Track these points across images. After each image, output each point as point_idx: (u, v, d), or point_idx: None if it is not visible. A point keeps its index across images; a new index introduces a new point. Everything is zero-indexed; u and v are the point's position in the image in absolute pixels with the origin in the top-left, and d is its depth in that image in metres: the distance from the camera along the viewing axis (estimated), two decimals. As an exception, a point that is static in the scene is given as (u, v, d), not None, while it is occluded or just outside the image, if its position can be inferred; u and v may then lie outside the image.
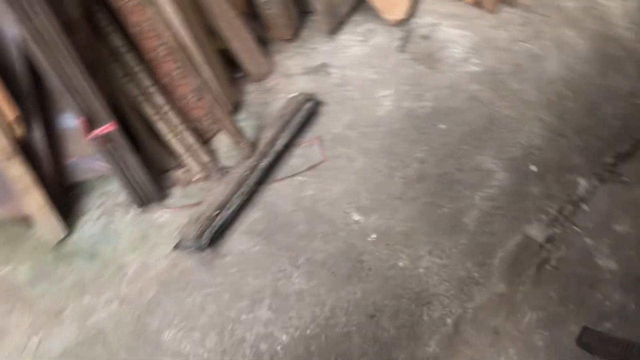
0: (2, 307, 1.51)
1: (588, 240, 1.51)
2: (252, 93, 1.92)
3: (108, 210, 1.67)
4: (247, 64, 1.89)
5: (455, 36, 2.00)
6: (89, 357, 1.40)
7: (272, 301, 1.45)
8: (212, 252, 1.56)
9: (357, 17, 2.12)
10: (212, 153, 1.75)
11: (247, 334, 1.40)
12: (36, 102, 1.55)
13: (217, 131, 1.80)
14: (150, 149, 1.69)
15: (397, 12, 2.03)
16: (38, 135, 1.57)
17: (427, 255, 1.50)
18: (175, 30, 1.62)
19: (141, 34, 1.60)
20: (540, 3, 2.06)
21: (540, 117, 1.75)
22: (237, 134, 1.68)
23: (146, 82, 1.65)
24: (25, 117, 1.51)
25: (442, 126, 1.75)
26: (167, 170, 1.73)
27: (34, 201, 1.56)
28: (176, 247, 1.56)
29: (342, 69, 1.96)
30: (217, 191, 1.60)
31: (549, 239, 1.51)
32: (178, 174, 1.72)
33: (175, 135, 1.69)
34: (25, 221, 1.62)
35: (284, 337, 1.39)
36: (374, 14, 2.06)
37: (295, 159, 1.74)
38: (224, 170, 1.71)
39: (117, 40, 1.60)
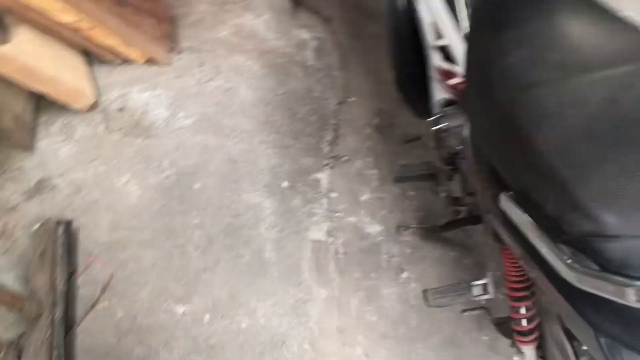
0: None
1: (351, 219, 1.88)
2: (-18, 248, 1.70)
3: None
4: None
5: (149, 99, 2.08)
6: None
7: None
8: None
9: (44, 117, 2.00)
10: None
11: None
12: None
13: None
14: None
15: (83, 98, 1.99)
16: None
17: (258, 303, 1.68)
18: None
19: None
20: (200, 41, 2.25)
21: (263, 139, 2.01)
22: (14, 299, 1.51)
23: None
24: None
25: (197, 185, 1.87)
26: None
27: None
28: None
29: (64, 175, 1.87)
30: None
31: (329, 234, 1.84)
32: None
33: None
34: None
35: None
36: (61, 108, 1.97)
37: (85, 289, 1.66)
38: (18, 346, 1.53)
39: None
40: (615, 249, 0.71)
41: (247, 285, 1.70)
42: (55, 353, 1.48)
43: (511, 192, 0.93)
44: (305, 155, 2.00)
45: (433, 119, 1.63)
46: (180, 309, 1.64)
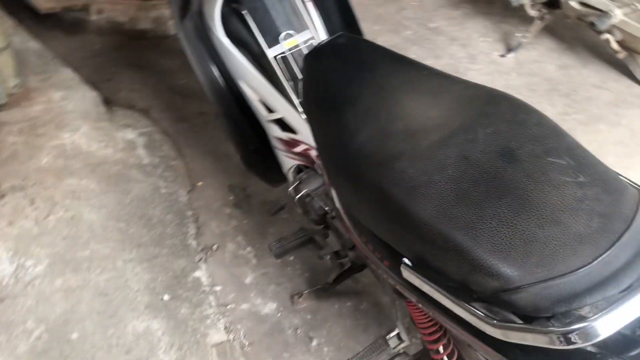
0: None
1: (244, 306, 1.85)
2: None
3: None
4: None
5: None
6: None
7: None
8: None
9: None
10: None
11: None
12: None
13: None
14: None
15: None
16: None
17: None
18: None
19: None
20: (21, 176, 2.04)
21: (127, 259, 1.88)
22: None
23: None
24: None
25: (74, 335, 1.70)
26: None
27: None
28: None
29: None
30: None
31: (228, 331, 1.79)
32: None
33: None
34: None
35: None
36: None
37: None
38: None
39: None
40: (523, 298, 0.78)
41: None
42: None
43: (407, 261, 0.98)
44: (176, 258, 1.93)
45: (292, 188, 1.66)
46: None
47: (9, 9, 2.85)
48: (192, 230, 2.04)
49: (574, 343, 0.73)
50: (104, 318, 1.73)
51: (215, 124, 2.48)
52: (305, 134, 1.60)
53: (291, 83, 1.61)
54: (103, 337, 1.69)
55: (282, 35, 1.60)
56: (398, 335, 1.40)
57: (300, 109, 1.57)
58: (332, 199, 1.54)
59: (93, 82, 2.59)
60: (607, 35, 2.48)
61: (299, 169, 1.73)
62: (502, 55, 2.87)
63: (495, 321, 0.80)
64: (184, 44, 1.69)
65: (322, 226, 1.67)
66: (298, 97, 1.60)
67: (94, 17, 2.91)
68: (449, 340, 1.25)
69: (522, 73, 2.76)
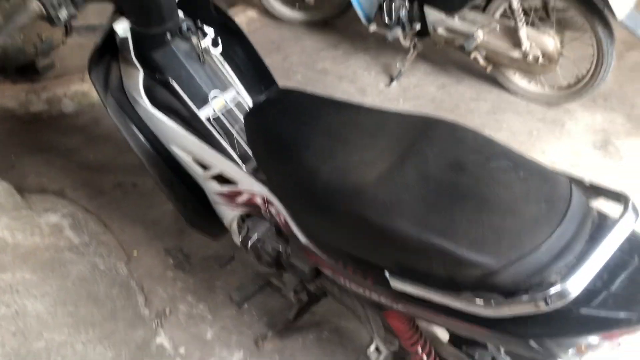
0: None
1: None
2: None
3: None
4: None
5: None
6: None
7: None
8: None
9: None
10: None
11: None
12: None
13: None
14: None
15: None
16: None
17: None
18: None
19: None
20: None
21: (85, 340, 1.84)
22: None
23: None
24: None
25: None
26: None
27: None
28: None
29: None
30: None
31: None
32: None
33: None
34: None
35: None
36: None
37: None
38: None
39: None
40: (503, 278, 0.95)
41: None
42: None
43: (389, 272, 1.12)
44: (133, 330, 1.92)
45: (242, 236, 1.75)
46: None
47: None
48: (140, 299, 2.04)
49: (553, 304, 0.90)
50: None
51: (135, 193, 2.50)
52: (246, 183, 1.69)
53: (225, 138, 1.71)
54: None
55: (210, 96, 1.70)
56: (377, 347, 1.52)
57: (239, 161, 1.67)
58: (284, 239, 1.66)
59: (-5, 173, 2.50)
60: (474, 54, 2.83)
61: (241, 218, 1.82)
62: (387, 85, 3.15)
63: (492, 301, 0.96)
64: (112, 117, 1.74)
65: (277, 268, 1.76)
66: (235, 150, 1.69)
67: (-19, 107, 2.81)
68: (425, 341, 1.39)
69: (408, 97, 3.05)
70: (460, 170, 1.08)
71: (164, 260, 2.20)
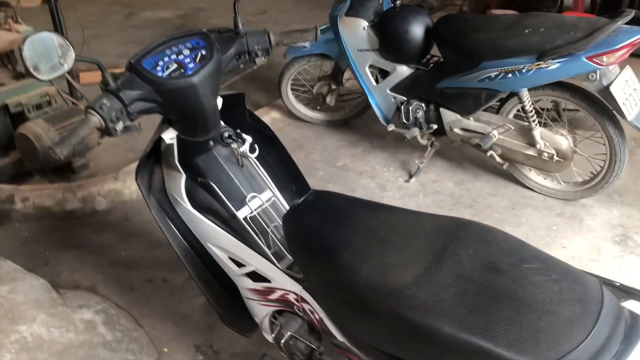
0: None
1: None
2: None
3: None
4: None
5: None
6: None
7: None
8: None
9: None
10: None
11: None
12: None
13: None
14: None
15: None
16: None
17: None
18: None
19: None
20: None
21: None
22: None
23: None
24: None
25: None
26: None
27: None
28: None
29: None
30: None
31: None
32: None
33: None
34: None
35: None
36: None
37: None
38: None
39: None
40: None
41: None
42: None
43: None
44: None
45: (275, 333, 1.78)
46: None
47: None
48: (172, 397, 2.05)
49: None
50: None
51: (165, 288, 2.56)
52: (280, 280, 1.75)
53: (260, 236, 1.79)
54: None
55: (248, 197, 1.81)
56: None
57: (274, 259, 1.74)
58: (317, 337, 1.70)
59: (29, 269, 2.58)
60: (490, 152, 2.96)
61: (274, 315, 1.86)
62: (406, 181, 3.26)
63: None
64: (154, 216, 1.84)
65: None
66: (270, 249, 1.78)
67: (19, 206, 2.94)
68: None
69: (427, 193, 3.15)
70: (495, 271, 1.14)
71: (194, 357, 2.22)
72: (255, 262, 1.78)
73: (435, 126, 3.10)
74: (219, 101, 1.78)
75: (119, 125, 1.54)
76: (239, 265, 1.83)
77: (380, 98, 3.31)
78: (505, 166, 3.05)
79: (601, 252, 2.62)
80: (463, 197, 3.08)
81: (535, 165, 2.91)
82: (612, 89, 2.50)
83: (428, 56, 3.19)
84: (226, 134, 1.79)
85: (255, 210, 1.81)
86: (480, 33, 2.74)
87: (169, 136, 1.73)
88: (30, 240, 2.87)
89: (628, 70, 2.64)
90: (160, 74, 1.60)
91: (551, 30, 2.52)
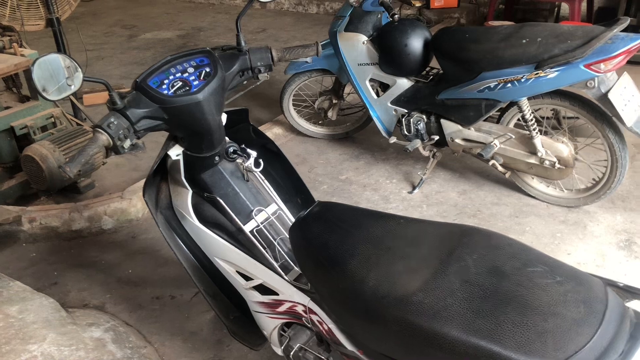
0: None
1: None
2: None
3: None
4: None
5: None
6: None
7: None
8: None
9: None
10: None
11: None
12: None
13: None
14: None
15: None
16: None
17: None
18: None
19: None
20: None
21: None
22: None
23: None
24: None
25: None
26: None
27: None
28: None
29: None
30: None
31: None
32: None
33: None
34: None
35: None
36: None
37: None
38: None
39: None
40: None
41: None
42: None
43: None
44: None
45: (284, 346, 1.80)
46: None
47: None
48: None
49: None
50: None
51: (173, 305, 2.57)
52: (288, 292, 1.77)
53: (267, 249, 1.81)
54: None
55: (254, 211, 1.83)
56: None
57: (281, 271, 1.76)
58: (325, 348, 1.71)
59: (38, 289, 2.60)
60: (492, 161, 2.98)
61: (282, 328, 1.88)
62: (410, 192, 3.28)
63: None
64: (162, 232, 1.86)
65: None
66: (277, 261, 1.79)
67: (26, 227, 2.97)
68: None
69: (431, 204, 3.17)
70: (500, 275, 1.16)
71: (204, 374, 2.23)
72: (263, 275, 1.80)
73: (436, 137, 3.13)
74: (224, 117, 1.81)
75: (127, 143, 1.57)
76: (247, 278, 1.85)
77: (382, 111, 3.34)
78: (507, 175, 3.08)
79: (606, 258, 2.63)
80: (466, 207, 3.10)
81: (537, 174, 2.93)
82: (610, 95, 2.53)
83: (427, 68, 3.23)
84: (231, 149, 1.82)
85: (261, 223, 1.83)
86: (478, 44, 2.78)
87: (175, 152, 1.76)
88: (38, 261, 2.89)
89: (626, 77, 2.67)
90: (166, 91, 1.63)
91: (548, 40, 2.56)
